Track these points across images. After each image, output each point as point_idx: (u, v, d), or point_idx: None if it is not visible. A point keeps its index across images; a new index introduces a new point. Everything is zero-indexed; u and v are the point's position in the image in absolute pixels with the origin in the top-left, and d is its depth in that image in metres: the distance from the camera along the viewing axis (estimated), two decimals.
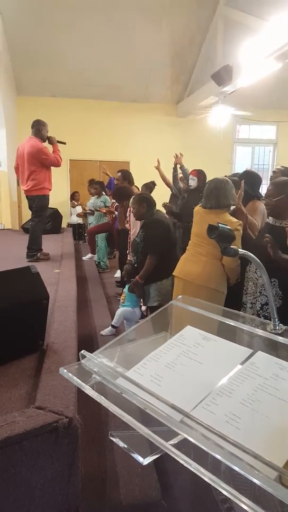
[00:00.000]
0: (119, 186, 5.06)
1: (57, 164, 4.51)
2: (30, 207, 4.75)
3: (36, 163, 4.40)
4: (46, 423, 1.35)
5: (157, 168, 5.49)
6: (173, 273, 2.84)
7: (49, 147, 4.58)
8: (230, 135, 9.89)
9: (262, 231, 2.48)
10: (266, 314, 2.31)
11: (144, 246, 3.27)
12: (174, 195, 5.41)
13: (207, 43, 7.70)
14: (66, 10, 6.68)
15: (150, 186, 5.50)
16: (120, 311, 3.61)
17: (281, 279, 2.21)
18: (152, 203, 3.42)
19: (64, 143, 4.69)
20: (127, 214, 4.47)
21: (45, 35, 7.13)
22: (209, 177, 4.43)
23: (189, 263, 2.73)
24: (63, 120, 8.69)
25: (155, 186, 5.52)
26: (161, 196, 5.64)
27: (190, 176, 4.67)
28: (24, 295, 1.93)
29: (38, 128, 4.46)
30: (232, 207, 2.67)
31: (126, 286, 3.55)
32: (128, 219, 4.46)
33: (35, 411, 1.44)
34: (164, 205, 5.06)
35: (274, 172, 4.37)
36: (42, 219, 4.82)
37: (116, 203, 5.72)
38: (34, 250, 4.64)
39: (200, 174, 4.61)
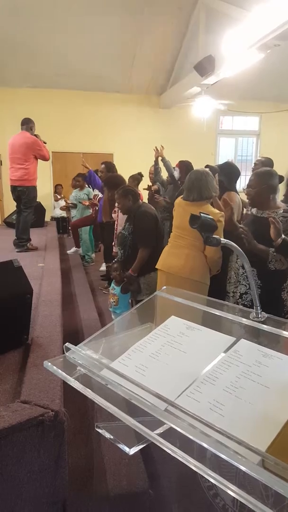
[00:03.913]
0: (112, 174, 4.87)
1: (48, 157, 4.91)
2: (18, 199, 4.90)
3: (29, 154, 4.67)
4: (32, 417, 1.34)
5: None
6: (156, 266, 2.84)
7: None
8: (213, 126, 9.88)
9: (246, 222, 2.51)
10: (245, 303, 2.34)
11: (133, 239, 3.24)
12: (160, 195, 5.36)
13: (189, 33, 7.63)
14: None
15: (138, 177, 5.47)
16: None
17: (259, 268, 2.24)
18: (137, 194, 3.39)
19: (45, 143, 4.96)
20: (116, 205, 4.41)
21: (25, 24, 6.95)
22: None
23: (171, 256, 2.73)
24: (45, 111, 8.52)
25: (143, 178, 5.49)
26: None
27: (175, 168, 4.69)
28: (7, 290, 1.91)
29: (29, 125, 4.78)
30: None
31: (117, 288, 3.35)
32: (116, 209, 4.40)
33: (21, 405, 1.43)
34: (156, 198, 5.04)
35: (255, 163, 4.41)
36: (32, 210, 5.02)
37: (99, 196, 5.67)
38: (24, 240, 4.83)
39: (182, 165, 4.61)
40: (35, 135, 4.83)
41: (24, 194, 4.80)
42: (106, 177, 4.89)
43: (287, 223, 2.19)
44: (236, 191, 3.16)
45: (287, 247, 2.07)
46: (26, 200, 4.83)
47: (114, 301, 3.40)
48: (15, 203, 5.14)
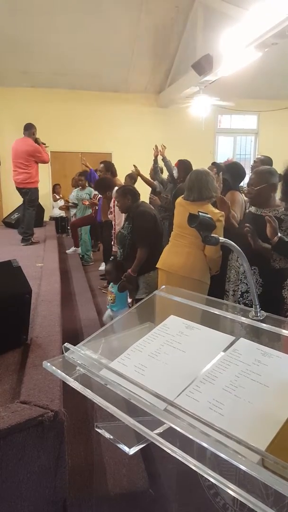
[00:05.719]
0: (101, 177, 5.02)
1: (47, 160, 5.50)
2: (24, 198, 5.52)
3: (30, 160, 5.18)
4: (32, 417, 1.34)
5: (139, 175, 5.42)
6: (156, 265, 2.84)
7: None
8: (212, 125, 9.87)
9: (245, 220, 2.50)
10: (247, 301, 2.34)
11: (132, 239, 3.23)
12: (157, 192, 5.36)
13: (187, 32, 7.61)
14: None
15: (134, 176, 5.46)
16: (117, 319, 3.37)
17: (261, 267, 2.23)
18: (136, 194, 3.39)
19: (45, 145, 5.48)
20: (111, 205, 4.43)
21: (23, 23, 6.93)
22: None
23: (172, 254, 2.73)
24: (43, 111, 8.52)
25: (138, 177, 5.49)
26: (145, 187, 5.61)
27: (174, 167, 4.72)
28: (6, 290, 1.90)
29: (31, 131, 5.24)
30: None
31: (114, 287, 3.38)
32: (112, 210, 4.42)
33: (20, 405, 1.43)
34: (152, 197, 5.04)
35: (254, 161, 4.41)
36: (35, 208, 5.68)
37: (99, 195, 5.67)
38: (28, 234, 5.39)
39: (180, 164, 4.63)
40: (36, 139, 5.26)
41: (27, 194, 5.37)
42: (96, 181, 5.14)
43: None
44: (239, 190, 3.19)
45: (284, 246, 2.07)
46: (29, 199, 5.41)
47: (111, 299, 3.43)
48: (14, 203, 5.83)
